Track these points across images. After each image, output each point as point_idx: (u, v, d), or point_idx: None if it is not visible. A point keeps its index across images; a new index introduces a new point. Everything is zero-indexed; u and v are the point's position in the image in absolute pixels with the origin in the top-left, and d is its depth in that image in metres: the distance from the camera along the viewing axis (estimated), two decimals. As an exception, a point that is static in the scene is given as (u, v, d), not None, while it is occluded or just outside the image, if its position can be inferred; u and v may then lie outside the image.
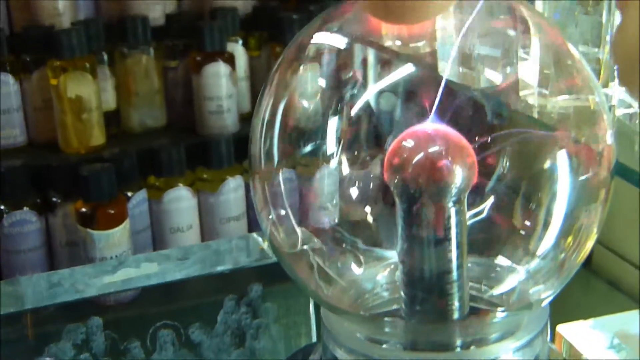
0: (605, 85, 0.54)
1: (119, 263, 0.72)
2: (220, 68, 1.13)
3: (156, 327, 0.68)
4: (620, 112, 0.48)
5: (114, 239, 0.97)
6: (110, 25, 1.17)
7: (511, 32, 0.41)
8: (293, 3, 1.31)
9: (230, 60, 1.15)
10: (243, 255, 0.72)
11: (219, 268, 0.71)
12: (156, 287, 0.70)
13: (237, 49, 1.20)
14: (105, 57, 1.15)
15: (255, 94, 1.20)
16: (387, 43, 0.61)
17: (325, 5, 1.22)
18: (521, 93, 0.46)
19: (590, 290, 0.99)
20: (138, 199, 1.05)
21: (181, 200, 1.06)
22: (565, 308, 0.51)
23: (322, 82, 0.40)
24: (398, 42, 0.63)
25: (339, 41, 0.41)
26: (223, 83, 1.14)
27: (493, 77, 0.52)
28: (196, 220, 1.08)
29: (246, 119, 1.15)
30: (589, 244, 0.39)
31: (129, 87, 1.16)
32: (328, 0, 1.27)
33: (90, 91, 1.09)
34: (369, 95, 0.40)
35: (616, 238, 0.98)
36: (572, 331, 0.56)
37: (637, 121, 0.46)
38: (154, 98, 1.17)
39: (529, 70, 0.42)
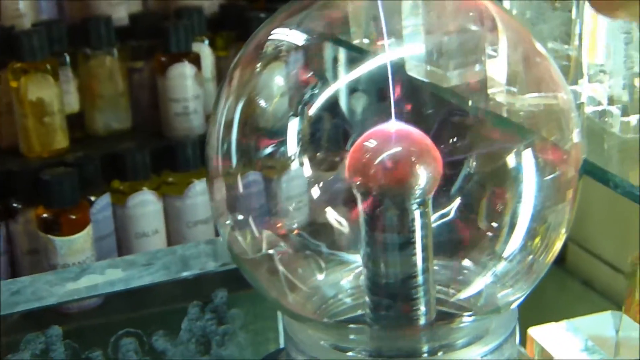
0: (575, 83, 0.53)
1: (82, 270, 0.70)
2: (185, 69, 1.12)
3: (118, 335, 0.67)
4: (589, 109, 0.47)
5: (77, 246, 0.95)
6: (73, 26, 1.15)
7: (479, 30, 0.41)
8: (261, 2, 1.29)
9: (196, 60, 1.13)
10: (210, 260, 0.71)
11: (185, 274, 0.69)
12: (120, 294, 0.69)
13: (204, 49, 1.18)
14: (68, 58, 1.13)
15: (222, 95, 1.19)
16: (355, 41, 0.60)
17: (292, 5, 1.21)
18: (490, 91, 0.46)
19: (565, 289, 0.99)
20: (102, 204, 1.03)
21: (146, 205, 1.05)
22: (539, 308, 0.50)
23: (282, 82, 0.39)
24: (365, 40, 0.62)
25: (299, 38, 0.40)
26: (189, 84, 1.12)
27: (461, 75, 0.52)
28: (162, 225, 1.07)
29: (213, 121, 1.13)
30: (558, 245, 0.38)
31: (93, 90, 1.14)
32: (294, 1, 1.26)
33: (52, 94, 1.07)
34: (330, 95, 0.38)
35: (590, 237, 0.97)
36: (544, 334, 0.55)
37: (607, 119, 0.45)
38: (118, 100, 1.15)
39: (497, 68, 0.41)
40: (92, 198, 1.03)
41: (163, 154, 1.08)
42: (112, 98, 1.15)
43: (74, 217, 0.96)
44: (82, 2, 1.18)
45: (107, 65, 1.14)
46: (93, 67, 1.14)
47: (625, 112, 0.44)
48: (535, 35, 0.40)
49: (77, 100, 1.15)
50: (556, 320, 0.57)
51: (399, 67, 0.42)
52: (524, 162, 0.37)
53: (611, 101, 0.45)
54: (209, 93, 1.18)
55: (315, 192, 0.38)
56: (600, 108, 0.46)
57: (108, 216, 1.04)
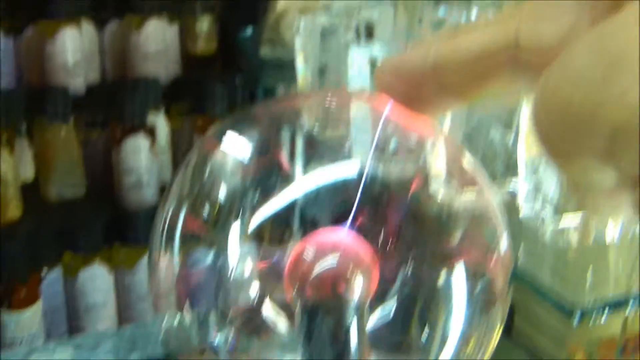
0: (513, 176, 0.55)
1: (30, 350, 0.70)
2: (140, 141, 1.13)
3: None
4: (525, 208, 0.48)
5: (26, 320, 0.95)
6: (31, 96, 1.16)
7: (421, 126, 0.42)
8: (217, 73, 1.31)
9: (150, 132, 1.14)
10: (158, 345, 0.71)
11: (133, 357, 0.69)
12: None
13: (159, 119, 1.19)
14: (24, 127, 1.14)
15: (177, 165, 1.20)
16: (306, 130, 0.61)
17: (248, 77, 1.23)
18: (432, 187, 0.47)
19: (511, 361, 1.00)
20: (53, 277, 1.03)
21: (97, 278, 1.05)
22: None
23: (226, 188, 0.40)
24: (316, 130, 0.63)
25: (246, 148, 0.41)
26: (143, 157, 1.13)
27: (404, 167, 0.53)
28: (112, 298, 1.06)
29: (167, 191, 1.14)
30: (493, 343, 0.39)
31: (48, 159, 1.14)
32: (253, 72, 1.27)
33: (7, 166, 1.07)
34: (273, 200, 0.39)
35: (536, 309, 0.99)
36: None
37: (540, 221, 0.46)
38: (73, 169, 1.15)
39: (437, 162, 0.43)
40: (44, 270, 1.02)
41: (115, 226, 1.08)
42: (66, 167, 1.15)
43: (24, 291, 0.96)
44: (39, 71, 1.18)
45: (62, 134, 1.14)
46: (49, 136, 1.14)
47: (555, 217, 0.45)
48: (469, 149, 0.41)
49: (32, 169, 1.15)
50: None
51: (345, 163, 0.43)
52: (457, 269, 0.38)
53: (545, 200, 0.47)
54: (163, 164, 1.18)
55: (255, 296, 0.39)
56: (534, 210, 0.47)
57: (59, 289, 1.04)
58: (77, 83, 1.19)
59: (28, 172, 1.14)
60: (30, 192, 1.15)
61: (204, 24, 1.30)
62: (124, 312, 1.06)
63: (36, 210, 1.13)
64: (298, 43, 0.97)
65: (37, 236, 1.03)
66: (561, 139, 0.23)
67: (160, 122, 1.19)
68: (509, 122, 0.62)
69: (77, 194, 1.16)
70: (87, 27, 1.22)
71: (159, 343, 0.70)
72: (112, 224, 1.08)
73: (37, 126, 1.15)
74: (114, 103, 1.14)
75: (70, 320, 1.05)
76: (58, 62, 1.17)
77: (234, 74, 1.25)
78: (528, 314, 0.99)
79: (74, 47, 1.18)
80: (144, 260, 1.06)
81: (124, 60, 1.24)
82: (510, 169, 0.58)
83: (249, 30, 1.38)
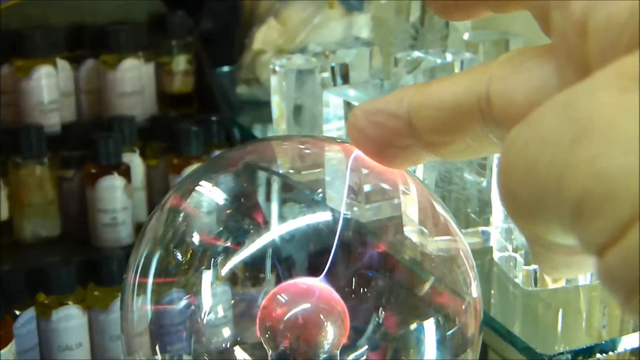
0: (486, 223, 0.55)
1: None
2: (115, 181, 1.13)
3: None
4: (497, 255, 0.48)
5: (-1, 362, 0.94)
6: (5, 134, 1.16)
7: (393, 171, 0.42)
8: (194, 111, 1.31)
9: (125, 172, 1.14)
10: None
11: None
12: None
13: (134, 158, 1.19)
14: (-1, 166, 1.14)
15: (152, 203, 1.20)
16: (282, 171, 0.61)
17: (224, 116, 1.23)
18: (405, 229, 0.47)
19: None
20: (26, 318, 1.02)
21: (71, 319, 1.04)
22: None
23: (198, 237, 0.40)
24: (291, 171, 0.64)
25: (219, 196, 0.41)
26: (118, 196, 1.13)
27: (378, 209, 0.53)
28: (86, 339, 1.06)
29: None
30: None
31: (22, 198, 1.14)
32: (229, 111, 1.28)
33: (-20, 205, 1.07)
34: (246, 249, 0.40)
35: (509, 347, 0.99)
36: None
37: (512, 264, 0.47)
38: (47, 208, 1.15)
39: (410, 205, 0.43)
40: (17, 312, 1.02)
41: (89, 267, 1.07)
42: (41, 206, 1.15)
43: (-1, 333, 0.96)
44: (14, 109, 1.18)
45: (37, 174, 1.14)
46: (23, 175, 1.14)
47: (527, 261, 0.46)
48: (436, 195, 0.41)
49: (6, 208, 1.14)
50: None
51: (320, 212, 0.43)
52: (428, 317, 0.38)
53: (515, 249, 0.47)
54: (138, 203, 1.18)
55: (228, 342, 0.39)
56: (506, 254, 0.47)
57: (32, 330, 1.03)
58: (53, 122, 1.19)
59: (2, 211, 1.14)
60: (4, 231, 1.14)
61: (180, 62, 1.30)
62: (98, 353, 1.06)
63: (10, 250, 1.13)
64: (274, 83, 0.98)
65: (10, 276, 1.03)
66: (524, 201, 0.23)
67: (136, 161, 1.19)
68: (482, 165, 0.63)
69: (51, 233, 1.16)
70: (63, 66, 1.22)
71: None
72: (86, 264, 1.07)
73: (12, 165, 1.15)
74: (90, 142, 1.14)
75: (44, 361, 1.04)
76: (33, 100, 1.18)
77: (210, 113, 1.25)
78: (501, 350, 0.99)
79: (49, 86, 1.18)
80: (118, 301, 1.05)
81: (100, 99, 1.25)
82: (484, 212, 0.58)
83: (225, 69, 1.39)
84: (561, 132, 0.21)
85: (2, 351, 0.94)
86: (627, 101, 0.20)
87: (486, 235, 0.52)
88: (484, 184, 0.60)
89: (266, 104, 1.09)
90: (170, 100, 1.31)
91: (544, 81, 0.27)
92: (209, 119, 1.23)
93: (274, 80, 0.97)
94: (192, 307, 0.39)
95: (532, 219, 0.23)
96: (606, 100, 0.21)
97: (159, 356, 0.39)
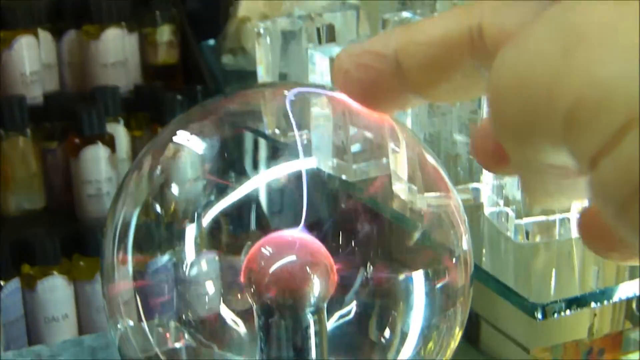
0: (477, 180, 0.54)
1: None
2: (99, 151, 1.12)
3: None
4: (488, 210, 0.47)
5: (-16, 332, 0.93)
6: (-14, 107, 1.14)
7: (382, 129, 0.41)
8: (178, 83, 1.30)
9: (110, 142, 1.13)
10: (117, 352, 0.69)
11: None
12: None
13: (119, 129, 1.18)
14: (-20, 139, 1.12)
15: (138, 175, 1.18)
16: (267, 131, 0.61)
17: (210, 87, 1.22)
18: (394, 187, 0.46)
19: (478, 370, 0.99)
20: (11, 289, 1.01)
21: (56, 290, 1.03)
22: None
23: (179, 188, 0.39)
24: (277, 131, 0.63)
25: (199, 145, 0.40)
26: (102, 167, 1.12)
27: (367, 168, 0.52)
28: (72, 309, 1.05)
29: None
30: (453, 344, 0.38)
31: (6, 171, 1.13)
32: (213, 81, 1.27)
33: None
34: (229, 199, 0.39)
35: (502, 317, 0.98)
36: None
37: (504, 219, 0.46)
38: (31, 181, 1.14)
39: (399, 163, 0.42)
40: (2, 282, 1.01)
41: (74, 238, 1.06)
42: (24, 179, 1.14)
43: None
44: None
45: (20, 146, 1.13)
46: (6, 148, 1.13)
47: (519, 214, 0.45)
48: (428, 146, 0.41)
49: (-11, 181, 1.13)
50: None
51: (305, 167, 0.42)
52: (417, 270, 0.37)
53: (507, 202, 0.46)
54: (123, 174, 1.17)
55: (213, 295, 0.38)
56: (497, 209, 0.46)
57: (17, 300, 1.02)
58: (35, 93, 1.18)
59: (-15, 184, 1.13)
60: (-12, 204, 1.13)
61: (164, 33, 1.29)
62: (84, 324, 1.05)
63: (-6, 223, 1.12)
64: (259, 49, 0.96)
65: (-6, 248, 1.02)
66: (515, 119, 0.22)
67: (120, 132, 1.18)
68: (472, 120, 0.62)
69: (35, 206, 1.15)
70: (45, 37, 1.20)
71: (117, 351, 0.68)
72: (71, 235, 1.06)
73: (-6, 137, 1.13)
74: (73, 113, 1.13)
75: (30, 334, 1.03)
76: (15, 71, 1.16)
77: (195, 84, 1.24)
78: (494, 320, 0.98)
79: (31, 57, 1.17)
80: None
81: (83, 70, 1.23)
82: (473, 171, 0.57)
83: (210, 43, 1.38)
84: (552, 42, 0.21)
85: (-13, 322, 0.93)
86: (623, 8, 0.20)
87: (476, 192, 0.52)
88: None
89: (252, 74, 1.08)
90: (154, 71, 1.29)
91: (537, 12, 0.26)
92: (194, 89, 1.22)
93: (258, 46, 0.95)
94: (174, 267, 0.38)
95: (523, 138, 0.22)
96: (602, 7, 0.20)
97: (142, 319, 0.38)
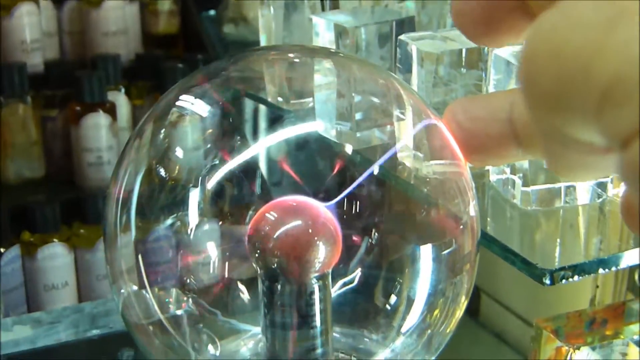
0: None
1: (-14, 328, 0.68)
2: (100, 119, 1.11)
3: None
4: (493, 177, 0.47)
5: (-17, 299, 0.93)
6: (-15, 74, 1.14)
7: (388, 95, 0.41)
8: (179, 50, 1.29)
9: (111, 110, 1.13)
10: (119, 318, 0.69)
11: (93, 332, 0.68)
12: (24, 354, 0.67)
13: (120, 97, 1.18)
14: (-20, 106, 1.12)
15: (138, 144, 1.18)
16: (270, 99, 0.60)
17: (211, 56, 1.21)
18: (399, 155, 0.46)
19: (478, 342, 1.00)
20: (10, 256, 1.01)
21: (56, 257, 1.03)
22: (452, 360, 0.50)
23: (183, 152, 0.39)
24: (280, 99, 0.62)
25: (203, 108, 0.40)
26: (103, 134, 1.11)
27: (370, 136, 0.52)
28: (72, 277, 1.05)
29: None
30: (459, 313, 0.38)
31: (5, 138, 1.12)
32: (214, 50, 1.26)
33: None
34: (234, 163, 0.38)
35: (502, 289, 0.98)
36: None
37: (510, 186, 0.45)
38: (31, 149, 1.13)
39: (405, 131, 0.42)
40: (1, 249, 1.01)
41: (74, 205, 1.06)
42: (24, 146, 1.13)
43: (-19, 270, 0.94)
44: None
45: (20, 113, 1.12)
46: (6, 115, 1.12)
47: (525, 182, 0.44)
48: (435, 107, 0.40)
49: (-12, 149, 1.13)
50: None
51: (308, 133, 0.42)
52: (423, 237, 0.37)
53: (513, 170, 0.46)
54: (123, 142, 1.16)
55: (216, 261, 0.38)
56: (503, 176, 0.46)
57: (17, 268, 1.02)
58: (36, 61, 1.17)
59: (-15, 151, 1.12)
60: (-13, 172, 1.13)
61: (165, 2, 1.28)
62: (84, 293, 1.05)
63: (-7, 190, 1.11)
64: (261, 18, 0.95)
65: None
66: (548, 88, 0.21)
67: (121, 100, 1.17)
68: (478, 86, 0.61)
69: (35, 174, 1.14)
70: (45, 5, 1.20)
71: (119, 318, 0.68)
72: (71, 203, 1.06)
73: (-6, 105, 1.13)
74: (73, 81, 1.12)
75: (30, 302, 1.03)
76: (15, 39, 1.15)
77: (196, 53, 1.23)
78: (495, 293, 0.98)
79: (31, 24, 1.16)
80: (104, 239, 1.04)
81: (83, 39, 1.23)
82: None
83: (211, 13, 1.37)
84: (595, 15, 0.20)
85: (-15, 289, 0.93)
86: None
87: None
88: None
89: (254, 44, 1.07)
90: (155, 41, 1.29)
91: None
92: (195, 58, 1.21)
93: (261, 16, 0.95)
94: (178, 228, 0.37)
95: (554, 109, 0.21)
96: None
97: (145, 283, 0.38)
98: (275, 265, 0.34)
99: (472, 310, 1.00)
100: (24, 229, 1.04)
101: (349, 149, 0.48)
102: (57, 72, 1.17)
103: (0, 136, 1.12)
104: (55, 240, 1.03)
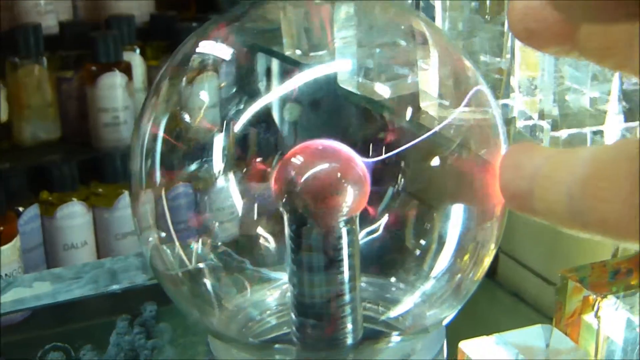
0: (506, 96, 0.53)
1: (8, 283, 0.68)
2: (116, 79, 1.11)
3: (45, 349, 0.66)
4: (520, 123, 0.47)
5: (4, 257, 0.93)
6: (1, 35, 1.13)
7: (411, 44, 0.40)
8: (192, 12, 1.29)
9: (127, 70, 1.12)
10: (139, 274, 0.70)
11: (113, 287, 0.68)
12: (47, 308, 0.68)
13: (135, 58, 1.17)
14: (-4, 68, 1.12)
15: (154, 105, 1.18)
16: (287, 52, 0.60)
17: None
18: (422, 104, 0.45)
19: (496, 301, 0.99)
20: (29, 215, 1.01)
21: (75, 216, 1.03)
22: (470, 320, 0.50)
23: (207, 97, 0.38)
24: (298, 52, 0.62)
25: (226, 52, 0.39)
26: (119, 94, 1.11)
27: (393, 87, 0.51)
28: (91, 236, 1.05)
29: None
30: (487, 261, 0.38)
31: (21, 99, 1.12)
32: (228, 10, 1.25)
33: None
34: (257, 110, 0.38)
35: (520, 248, 0.98)
36: (475, 347, 0.54)
37: (539, 132, 0.45)
38: (47, 110, 1.13)
39: (429, 80, 0.41)
40: (20, 209, 1.01)
41: (92, 165, 1.06)
42: (40, 108, 1.13)
43: (1, 228, 0.94)
44: (11, 10, 1.16)
45: (35, 74, 1.12)
46: (21, 76, 1.12)
47: (555, 126, 0.44)
48: (465, 51, 0.40)
49: (5, 110, 1.13)
50: (487, 333, 0.57)
51: (330, 81, 0.41)
52: (452, 180, 0.36)
53: (542, 116, 0.45)
54: (139, 103, 1.16)
55: (242, 208, 0.37)
56: (531, 122, 0.46)
57: (36, 227, 1.02)
58: (50, 23, 1.17)
59: (1, 113, 1.12)
60: (3, 134, 1.13)
61: (178, -37, 1.28)
62: (103, 252, 1.05)
63: (9, 153, 1.11)
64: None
65: (11, 176, 1.01)
66: None
67: (136, 60, 1.17)
68: (497, 51, 0.61)
69: (51, 136, 1.14)
70: (59, -34, 1.19)
71: (139, 273, 0.68)
72: (88, 163, 1.06)
73: (9, 67, 1.12)
74: (88, 41, 1.12)
75: (49, 261, 1.03)
76: (29, 1, 1.15)
77: (209, 13, 1.23)
78: (512, 251, 0.98)
79: (45, -15, 1.16)
80: (122, 198, 1.04)
81: (96, 1, 1.22)
82: (503, 87, 0.56)
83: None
84: None
85: (7, 246, 0.93)
86: None
87: (505, 108, 0.51)
88: (502, 64, 0.58)
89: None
90: (168, 2, 1.28)
91: None
92: (208, 18, 1.20)
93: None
94: (203, 178, 0.37)
95: None
96: None
97: (172, 234, 0.37)
98: (302, 209, 0.34)
99: (490, 270, 0.99)
100: (42, 188, 1.04)
101: (371, 98, 0.48)
102: (72, 33, 1.17)
103: (16, 98, 1.12)
104: (74, 199, 1.03)
